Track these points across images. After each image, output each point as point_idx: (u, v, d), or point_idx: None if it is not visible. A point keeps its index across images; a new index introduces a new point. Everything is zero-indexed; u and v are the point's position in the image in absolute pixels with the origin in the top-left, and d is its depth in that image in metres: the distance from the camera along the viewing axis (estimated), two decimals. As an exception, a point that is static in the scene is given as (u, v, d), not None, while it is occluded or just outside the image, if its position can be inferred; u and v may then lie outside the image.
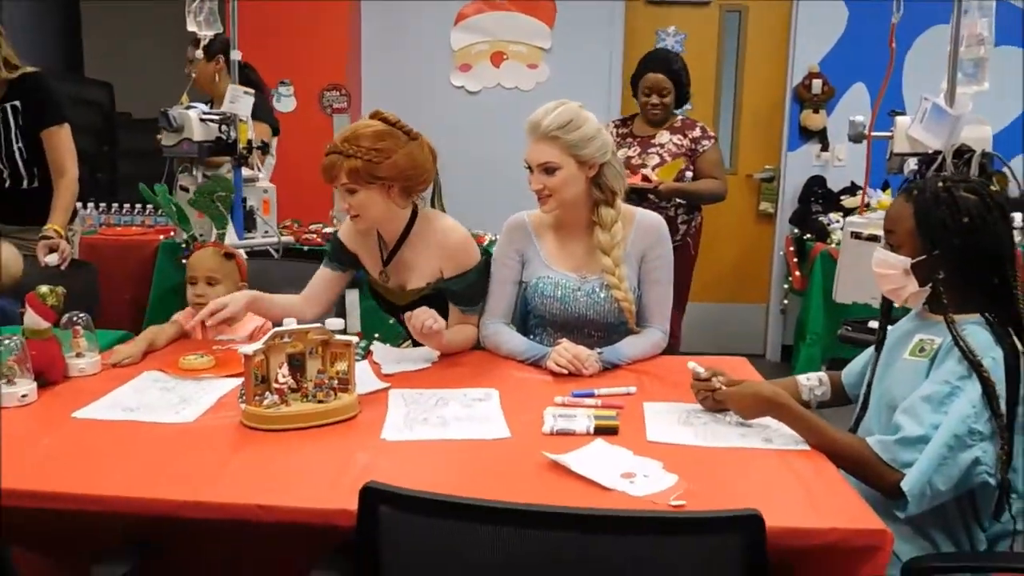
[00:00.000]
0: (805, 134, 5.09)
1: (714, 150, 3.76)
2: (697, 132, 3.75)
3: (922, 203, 1.64)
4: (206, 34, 2.93)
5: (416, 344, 2.23)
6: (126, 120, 5.94)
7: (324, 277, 2.35)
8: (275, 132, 3.75)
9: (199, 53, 3.06)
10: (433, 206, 2.29)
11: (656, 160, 3.70)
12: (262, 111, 3.61)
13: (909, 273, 1.65)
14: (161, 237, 3.94)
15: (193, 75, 3.18)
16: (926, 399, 1.56)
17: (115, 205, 4.37)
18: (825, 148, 5.07)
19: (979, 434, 1.52)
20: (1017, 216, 3.32)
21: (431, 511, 1.04)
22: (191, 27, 2.91)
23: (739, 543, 1.03)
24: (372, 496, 1.08)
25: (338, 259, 2.34)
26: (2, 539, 1.31)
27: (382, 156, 2.05)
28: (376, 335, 2.62)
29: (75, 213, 3.16)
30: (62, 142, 3.01)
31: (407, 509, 1.06)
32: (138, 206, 4.39)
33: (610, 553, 1.02)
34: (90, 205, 4.25)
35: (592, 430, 1.66)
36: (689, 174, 3.70)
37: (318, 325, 1.78)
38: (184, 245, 3.53)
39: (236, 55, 3.03)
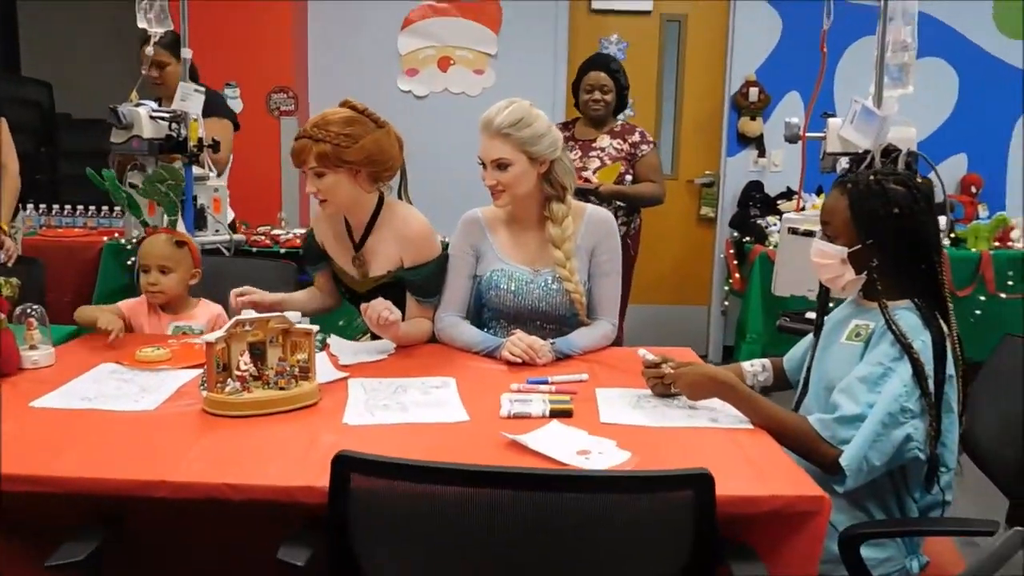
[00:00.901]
0: (743, 140, 5.26)
1: (653, 155, 3.87)
2: (636, 137, 3.86)
3: (856, 195, 1.75)
4: (156, 31, 2.93)
5: (374, 337, 2.26)
6: (66, 121, 5.83)
7: (318, 279, 2.49)
8: (236, 127, 3.74)
9: (149, 50, 3.05)
10: (400, 196, 2.35)
11: (597, 163, 3.81)
12: (221, 107, 3.61)
13: (846, 262, 1.75)
14: (105, 239, 3.89)
15: (144, 71, 3.17)
16: (862, 380, 1.66)
17: (56, 207, 4.30)
18: (762, 154, 5.24)
19: (910, 412, 1.63)
20: (941, 219, 3.51)
21: (402, 475, 1.09)
22: (141, 23, 2.90)
23: (692, 500, 1.10)
24: (344, 464, 1.12)
25: (315, 261, 2.44)
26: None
27: (350, 141, 2.12)
28: (323, 335, 2.66)
29: (17, 210, 3.12)
30: (0, 137, 2.97)
31: (379, 475, 1.10)
32: (80, 208, 4.33)
33: (573, 511, 1.08)
34: (30, 207, 4.17)
35: (548, 413, 1.72)
36: (629, 178, 3.82)
37: (279, 314, 1.80)
38: (128, 247, 3.51)
39: (187, 53, 3.03)
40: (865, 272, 1.75)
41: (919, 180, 1.90)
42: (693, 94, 5.33)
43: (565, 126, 3.99)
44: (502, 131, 2.17)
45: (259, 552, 1.29)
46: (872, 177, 1.76)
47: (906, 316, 1.68)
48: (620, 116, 4.02)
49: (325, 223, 2.37)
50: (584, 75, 3.89)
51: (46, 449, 1.49)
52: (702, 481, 1.09)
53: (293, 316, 1.83)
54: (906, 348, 1.64)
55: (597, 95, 3.82)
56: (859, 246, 1.73)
